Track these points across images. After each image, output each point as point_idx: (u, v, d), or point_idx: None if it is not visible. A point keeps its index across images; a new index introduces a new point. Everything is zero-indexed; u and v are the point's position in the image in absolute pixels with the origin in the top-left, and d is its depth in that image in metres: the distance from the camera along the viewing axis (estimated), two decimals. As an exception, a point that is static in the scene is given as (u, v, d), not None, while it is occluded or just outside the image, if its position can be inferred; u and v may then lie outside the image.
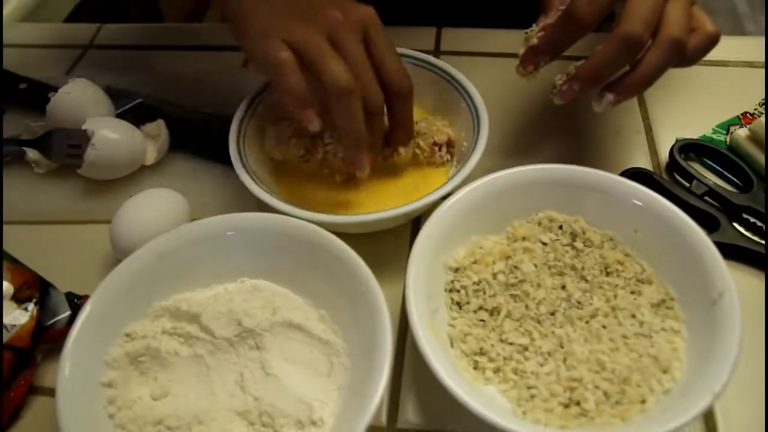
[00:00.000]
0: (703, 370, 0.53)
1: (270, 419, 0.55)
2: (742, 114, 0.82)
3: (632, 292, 0.61)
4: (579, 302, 0.60)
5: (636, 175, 0.73)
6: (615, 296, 0.60)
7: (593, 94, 0.63)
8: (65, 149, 0.76)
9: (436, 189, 0.65)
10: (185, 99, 0.87)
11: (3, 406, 0.58)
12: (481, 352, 0.58)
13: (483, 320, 0.60)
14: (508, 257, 0.63)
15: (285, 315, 0.60)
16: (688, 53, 0.61)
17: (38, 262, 0.67)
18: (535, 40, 0.65)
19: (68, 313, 0.63)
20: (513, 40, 0.68)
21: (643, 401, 0.54)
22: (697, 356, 0.55)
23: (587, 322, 0.59)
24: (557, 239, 0.64)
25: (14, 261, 0.65)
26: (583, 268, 0.62)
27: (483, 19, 0.97)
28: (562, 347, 0.57)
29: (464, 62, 0.90)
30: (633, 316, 0.59)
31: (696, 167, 0.75)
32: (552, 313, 0.60)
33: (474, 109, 0.72)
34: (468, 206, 0.63)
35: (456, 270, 0.63)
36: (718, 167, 0.76)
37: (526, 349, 0.58)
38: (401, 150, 0.70)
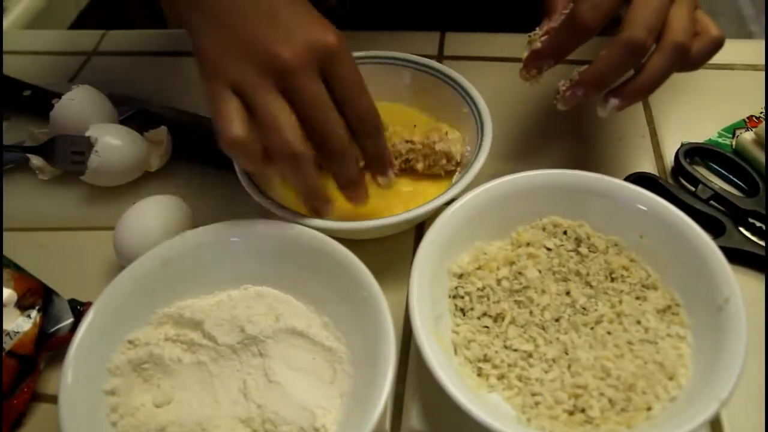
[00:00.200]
0: (709, 376, 0.52)
1: (273, 426, 0.54)
2: (748, 117, 0.82)
3: (637, 298, 0.60)
4: (584, 308, 0.60)
5: (641, 179, 0.73)
6: (620, 302, 0.60)
7: (597, 100, 0.63)
8: (69, 156, 0.76)
9: (439, 195, 0.64)
10: (188, 105, 0.87)
11: (6, 414, 0.58)
12: (485, 359, 0.58)
13: (487, 327, 0.60)
14: (512, 263, 0.63)
15: (288, 322, 0.60)
16: (693, 57, 0.61)
17: (42, 268, 0.67)
18: (538, 44, 0.65)
19: (71, 320, 0.63)
20: (517, 44, 0.67)
21: (649, 408, 0.53)
22: (704, 363, 0.54)
23: (592, 329, 0.58)
24: (562, 245, 0.64)
25: (18, 268, 0.65)
26: (587, 274, 0.62)
27: (487, 23, 0.97)
28: (566, 354, 0.57)
29: (468, 67, 0.90)
30: (638, 322, 0.58)
31: (702, 171, 0.75)
32: (557, 320, 0.59)
33: (478, 114, 0.71)
34: (472, 212, 0.63)
35: (460, 276, 0.62)
36: (724, 171, 0.76)
37: (530, 355, 0.58)
38: (380, 180, 0.67)
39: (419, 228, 0.72)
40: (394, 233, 0.70)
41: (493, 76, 0.73)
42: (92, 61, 0.98)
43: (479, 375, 0.57)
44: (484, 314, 0.60)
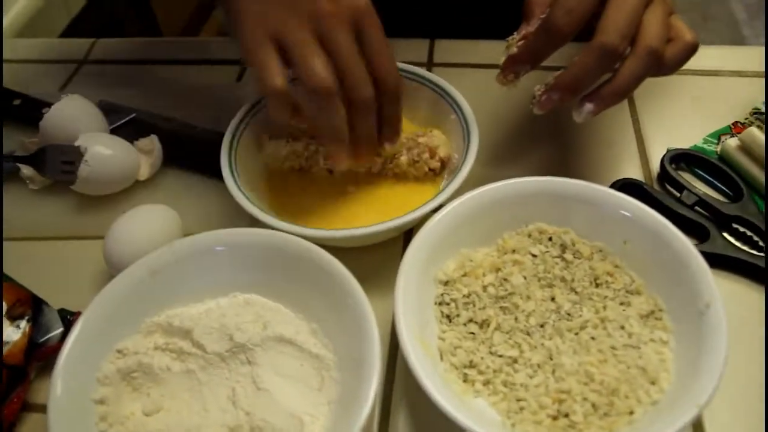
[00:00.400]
0: (690, 381, 0.53)
1: (261, 434, 0.55)
2: (733, 123, 0.82)
3: (621, 303, 0.61)
4: (568, 314, 0.60)
5: (627, 185, 0.73)
6: (604, 307, 0.61)
7: (573, 105, 0.64)
8: (59, 165, 0.76)
9: (427, 201, 0.65)
10: (179, 113, 0.87)
11: (-4, 423, 0.59)
12: (471, 365, 0.58)
13: (473, 333, 0.60)
14: (498, 269, 0.63)
15: (276, 329, 0.60)
16: (666, 62, 0.62)
17: (32, 277, 0.67)
18: (514, 49, 0.65)
19: (61, 329, 0.64)
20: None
21: (631, 413, 0.54)
22: (685, 367, 0.55)
23: (576, 334, 0.59)
24: (547, 251, 0.65)
25: (7, 278, 0.65)
26: (572, 280, 0.62)
27: (476, 30, 0.97)
28: (551, 359, 0.58)
29: (458, 74, 0.91)
30: (622, 327, 0.59)
31: (687, 177, 0.76)
32: (541, 325, 0.60)
33: (464, 121, 0.72)
34: (458, 219, 0.64)
35: (446, 283, 0.63)
36: (709, 177, 0.77)
37: (515, 361, 0.58)
38: (387, 146, 0.70)
39: (407, 234, 0.73)
40: (382, 240, 0.70)
41: (482, 83, 0.73)
42: (83, 69, 0.99)
43: (465, 381, 0.58)
44: (470, 320, 0.61)
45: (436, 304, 0.62)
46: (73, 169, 0.74)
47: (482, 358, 0.58)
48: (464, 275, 0.63)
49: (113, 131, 0.82)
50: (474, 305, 0.61)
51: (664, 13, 0.62)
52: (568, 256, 0.64)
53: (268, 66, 0.62)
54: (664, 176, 0.76)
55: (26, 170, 0.78)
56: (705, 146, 0.80)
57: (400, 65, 0.77)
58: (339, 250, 0.63)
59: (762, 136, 0.73)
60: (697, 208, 0.72)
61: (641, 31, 0.60)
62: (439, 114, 0.76)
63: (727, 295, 0.57)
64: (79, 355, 0.57)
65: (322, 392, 0.58)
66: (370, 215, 0.70)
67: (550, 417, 0.55)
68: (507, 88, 0.67)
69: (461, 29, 0.98)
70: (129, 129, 0.84)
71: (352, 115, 0.65)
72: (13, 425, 0.60)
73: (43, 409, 0.55)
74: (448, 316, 0.61)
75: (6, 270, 0.66)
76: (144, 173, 0.79)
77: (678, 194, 0.73)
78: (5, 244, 0.73)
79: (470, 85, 0.78)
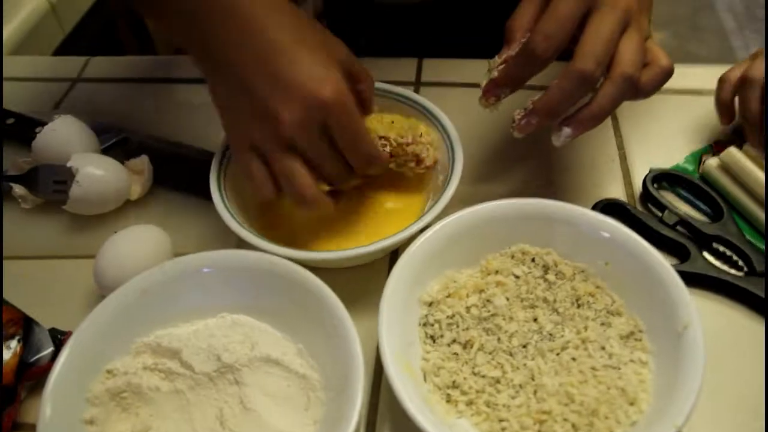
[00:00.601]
0: (667, 402, 0.54)
1: (248, 454, 0.56)
2: (714, 143, 0.83)
3: (602, 324, 0.62)
4: (551, 334, 0.61)
5: (609, 205, 0.74)
6: (586, 328, 0.61)
7: (552, 129, 0.65)
8: (51, 185, 0.77)
9: (412, 223, 0.66)
10: (170, 132, 0.88)
11: (-13, 443, 0.60)
12: (454, 385, 0.59)
13: (456, 353, 0.61)
14: (481, 291, 0.65)
15: (263, 350, 0.61)
16: (642, 87, 0.64)
17: (22, 296, 0.68)
18: (495, 73, 0.66)
19: (51, 349, 0.64)
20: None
21: (611, 433, 0.55)
22: (664, 388, 0.56)
23: (558, 354, 0.60)
24: (530, 272, 0.66)
25: (-1, 298, 0.66)
26: (555, 301, 0.63)
27: (464, 49, 0.98)
28: (533, 380, 0.59)
29: (445, 93, 0.92)
30: (603, 347, 0.60)
31: (670, 197, 0.77)
32: (524, 346, 0.61)
33: (449, 143, 0.73)
34: (442, 241, 0.65)
35: (430, 304, 0.64)
36: (690, 197, 0.78)
37: (498, 381, 0.59)
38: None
39: (393, 254, 0.73)
40: (368, 261, 0.71)
41: (470, 102, 0.73)
42: (77, 87, 0.99)
43: (448, 401, 0.59)
44: (454, 341, 0.62)
45: (420, 325, 0.63)
46: (65, 189, 0.75)
47: (465, 378, 0.59)
48: (448, 296, 0.64)
49: (105, 151, 0.83)
50: (457, 326, 0.62)
51: (640, 38, 0.63)
52: (551, 276, 0.65)
53: (254, 176, 0.65)
54: (646, 196, 0.77)
55: (18, 189, 0.79)
56: (687, 165, 0.81)
57: (386, 86, 0.78)
58: (325, 269, 0.64)
59: (742, 157, 0.74)
60: (678, 227, 0.73)
61: (617, 57, 0.62)
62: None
63: (706, 315, 0.58)
64: (69, 375, 0.58)
65: (308, 412, 0.59)
66: (357, 236, 0.71)
67: (531, 437, 0.56)
68: (489, 111, 0.68)
69: (450, 49, 0.99)
70: (120, 149, 0.85)
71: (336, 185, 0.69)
72: (3, 445, 0.61)
73: (33, 428, 0.55)
74: (432, 337, 0.62)
75: (-3, 289, 0.67)
76: (135, 193, 0.80)
77: (660, 214, 0.74)
78: (-4, 262, 0.74)
79: (458, 104, 0.79)
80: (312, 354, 0.62)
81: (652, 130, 0.87)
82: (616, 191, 0.79)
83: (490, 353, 0.61)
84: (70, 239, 0.78)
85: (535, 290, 0.64)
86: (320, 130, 0.63)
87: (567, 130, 0.63)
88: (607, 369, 0.59)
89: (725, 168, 0.76)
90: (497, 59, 0.67)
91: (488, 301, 0.64)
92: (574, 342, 0.60)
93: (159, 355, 0.62)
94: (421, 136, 0.73)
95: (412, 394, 0.54)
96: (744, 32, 2.81)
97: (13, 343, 0.63)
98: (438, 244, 0.64)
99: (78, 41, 1.40)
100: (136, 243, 0.69)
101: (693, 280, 0.67)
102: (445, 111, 0.77)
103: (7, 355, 0.62)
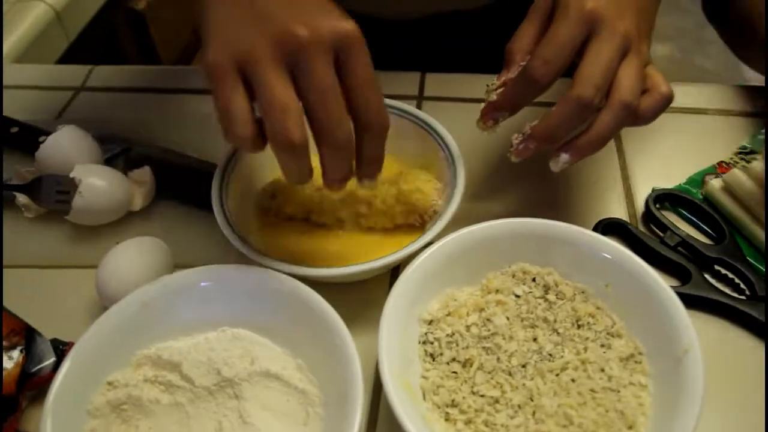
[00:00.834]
0: (666, 426, 0.54)
1: (247, 468, 0.56)
2: (718, 163, 0.83)
3: (602, 346, 0.62)
4: (550, 354, 0.62)
5: (611, 225, 0.75)
6: (585, 349, 0.62)
7: (550, 154, 0.65)
8: (54, 195, 0.78)
9: (413, 241, 0.66)
10: (173, 142, 0.88)
11: (-14, 454, 0.60)
12: (453, 404, 0.59)
13: (455, 372, 0.61)
14: (481, 309, 0.65)
15: (263, 365, 0.61)
16: (642, 114, 0.64)
17: (24, 305, 0.68)
18: (494, 96, 0.67)
19: (53, 359, 0.64)
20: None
21: (608, 456, 0.55)
22: (663, 412, 0.56)
23: (557, 375, 0.60)
24: (530, 291, 0.66)
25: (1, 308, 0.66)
26: (555, 321, 0.64)
27: (467, 64, 0.99)
28: (531, 400, 0.59)
29: (448, 108, 0.92)
30: (602, 369, 0.60)
31: (672, 217, 0.77)
32: (523, 366, 0.61)
33: (452, 161, 0.73)
34: (442, 259, 0.65)
35: (430, 322, 0.64)
36: (693, 218, 0.78)
37: (497, 401, 0.59)
38: (365, 182, 0.65)
39: (394, 271, 0.74)
40: (368, 277, 0.71)
41: (472, 117, 0.74)
42: (80, 96, 1.00)
43: (447, 420, 0.59)
44: (453, 360, 0.62)
45: (420, 343, 0.63)
46: (68, 199, 0.75)
47: (464, 397, 0.59)
48: (448, 315, 0.64)
49: (107, 161, 0.84)
50: (457, 344, 0.62)
51: (639, 64, 0.63)
52: (551, 296, 0.65)
53: (233, 108, 0.56)
54: (648, 216, 0.77)
55: (22, 198, 0.79)
56: (690, 186, 0.81)
57: (390, 102, 0.78)
58: (325, 285, 0.64)
59: (745, 179, 0.74)
60: (680, 248, 0.73)
61: (616, 84, 0.62)
62: (427, 152, 0.77)
63: (706, 338, 0.58)
64: (70, 387, 0.58)
65: (307, 427, 0.59)
66: (357, 252, 0.71)
67: (529, 458, 0.56)
68: (487, 133, 0.69)
69: (452, 63, 0.99)
70: (123, 159, 0.86)
71: (323, 157, 0.59)
72: (3, 455, 0.61)
73: (34, 438, 0.56)
74: (431, 355, 0.62)
75: (-1, 297, 0.67)
76: (137, 204, 0.80)
77: (662, 235, 0.74)
78: (-1, 271, 0.75)
79: (460, 119, 0.78)
80: (311, 369, 0.62)
81: (655, 149, 0.87)
82: (618, 210, 0.80)
83: (489, 372, 0.61)
84: (72, 249, 0.78)
85: (535, 310, 0.64)
86: (332, 60, 0.56)
87: (565, 156, 0.63)
88: (607, 391, 0.59)
89: (728, 189, 0.76)
90: (496, 81, 0.67)
91: (488, 320, 0.64)
92: (573, 363, 0.60)
93: (159, 368, 0.62)
94: (417, 188, 0.72)
95: (410, 412, 0.54)
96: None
97: (16, 353, 0.63)
98: (439, 262, 0.65)
99: (82, 49, 1.40)
100: (138, 255, 0.70)
101: (694, 302, 0.67)
102: (446, 126, 0.77)
103: (9, 364, 0.62)
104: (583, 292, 0.65)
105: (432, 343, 0.63)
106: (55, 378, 0.57)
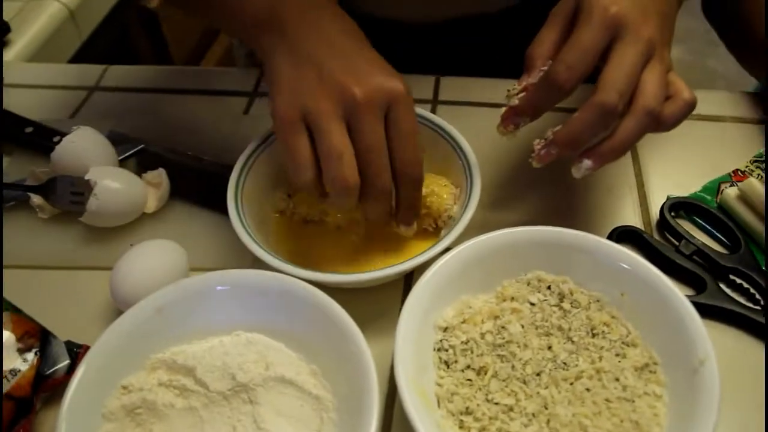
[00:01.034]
0: (681, 438, 0.54)
1: (261, 474, 0.56)
2: (733, 172, 0.83)
3: (617, 355, 0.62)
4: (565, 363, 0.61)
5: (625, 233, 0.75)
6: (600, 358, 0.61)
7: (572, 160, 0.65)
8: (68, 196, 0.78)
9: (428, 248, 0.66)
10: (187, 144, 0.89)
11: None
12: (467, 412, 0.59)
13: (470, 379, 0.61)
14: (496, 317, 0.65)
15: (278, 370, 0.61)
16: (664, 120, 0.63)
17: (38, 307, 0.68)
18: (515, 101, 0.66)
19: (67, 362, 0.65)
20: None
21: (623, 467, 0.55)
22: (678, 422, 0.56)
23: (572, 384, 0.60)
24: (545, 299, 0.66)
25: (16, 310, 0.66)
26: (569, 329, 0.63)
27: (482, 68, 0.98)
28: (546, 409, 0.59)
29: (463, 112, 0.92)
30: (617, 379, 0.60)
31: (687, 225, 0.77)
32: (538, 374, 0.61)
33: (467, 168, 0.73)
34: (458, 266, 0.65)
35: (445, 329, 0.64)
36: (708, 226, 0.78)
37: (511, 409, 0.59)
38: (402, 228, 0.70)
39: (408, 277, 0.74)
40: (383, 284, 0.71)
41: (487, 122, 0.73)
42: (94, 95, 1.00)
43: (461, 428, 0.59)
44: (468, 367, 0.62)
45: (435, 350, 0.63)
46: (83, 201, 0.75)
47: (478, 405, 0.59)
48: (463, 322, 0.64)
49: (122, 162, 0.84)
50: (472, 352, 0.62)
51: (662, 70, 0.63)
52: (566, 305, 0.65)
53: (298, 155, 0.63)
54: (663, 224, 0.77)
55: (36, 199, 0.80)
56: (705, 194, 0.81)
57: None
58: (340, 290, 0.64)
59: (762, 188, 0.74)
60: (695, 257, 0.73)
61: (640, 90, 0.61)
62: (443, 158, 0.76)
63: (721, 347, 0.58)
64: (85, 391, 0.58)
65: (321, 433, 0.59)
66: (373, 259, 0.71)
67: (544, 468, 0.56)
68: (507, 138, 0.68)
69: (467, 67, 0.99)
70: (137, 160, 0.86)
71: (366, 199, 0.66)
72: (17, 457, 0.61)
73: (47, 439, 0.56)
74: (446, 362, 0.62)
75: (12, 298, 0.67)
76: (151, 206, 0.80)
77: (677, 243, 0.74)
78: (12, 272, 0.75)
79: (475, 124, 0.79)
80: (325, 375, 0.62)
81: (671, 156, 0.87)
82: (633, 218, 0.79)
83: (503, 380, 0.61)
84: (86, 250, 0.78)
85: (550, 318, 0.64)
86: (383, 119, 0.63)
87: (587, 162, 0.63)
88: (621, 401, 0.59)
89: (744, 198, 0.76)
90: (516, 86, 0.67)
91: (503, 327, 0.64)
92: (588, 372, 0.60)
93: (174, 372, 0.62)
94: (433, 191, 0.73)
95: (425, 419, 0.54)
96: (762, 49, 2.80)
97: (30, 356, 0.63)
98: (454, 269, 0.64)
99: (95, 47, 1.40)
100: (152, 258, 0.70)
101: (709, 312, 0.67)
102: (461, 131, 0.77)
103: (24, 366, 0.62)
104: (598, 301, 0.65)
105: (447, 350, 0.63)
106: (70, 382, 0.58)
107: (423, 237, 0.73)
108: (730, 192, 0.77)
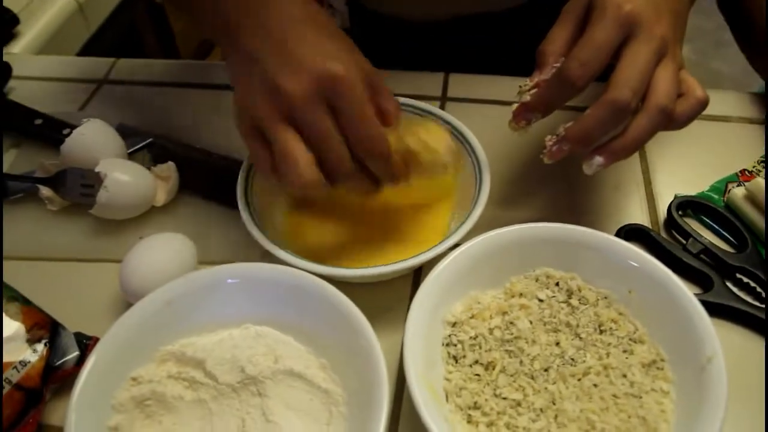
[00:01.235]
0: (689, 434, 0.54)
1: (270, 467, 0.56)
2: (740, 171, 0.83)
3: (624, 351, 0.62)
4: (572, 359, 0.62)
5: (633, 231, 0.75)
6: (608, 354, 0.62)
7: (583, 156, 0.65)
8: (78, 189, 0.78)
9: (437, 244, 0.66)
10: (196, 138, 0.89)
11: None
12: (475, 406, 0.60)
13: (478, 374, 0.61)
14: (504, 313, 0.65)
15: (287, 363, 0.61)
16: (677, 118, 0.63)
17: (48, 299, 0.68)
18: (527, 97, 0.66)
19: (77, 353, 0.65)
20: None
21: (630, 462, 0.55)
22: (685, 419, 0.57)
23: (579, 380, 0.60)
24: (553, 296, 0.66)
25: (26, 302, 0.66)
26: (577, 326, 0.64)
27: (491, 65, 0.99)
28: (554, 404, 0.59)
29: (471, 109, 0.92)
30: (624, 375, 0.60)
31: (694, 224, 0.77)
32: (546, 369, 0.61)
33: (477, 163, 0.73)
34: (467, 262, 0.65)
35: (453, 324, 0.64)
36: (715, 225, 0.78)
37: (519, 404, 0.59)
38: (391, 185, 0.68)
39: (417, 272, 0.74)
40: (393, 278, 0.72)
41: (496, 119, 0.74)
42: (103, 88, 1.00)
43: (469, 422, 0.59)
44: (476, 362, 0.62)
45: (443, 344, 0.63)
46: (92, 193, 0.75)
47: (486, 399, 0.60)
48: (472, 317, 0.65)
49: (131, 155, 0.84)
50: (480, 347, 0.63)
51: (675, 68, 0.63)
52: (574, 301, 0.65)
53: (258, 162, 0.65)
54: (670, 223, 0.77)
55: (45, 191, 0.80)
56: (712, 193, 0.81)
57: (414, 102, 0.78)
58: (349, 284, 0.65)
59: None
60: (702, 256, 0.73)
61: (653, 88, 0.62)
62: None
63: (728, 346, 0.58)
64: (95, 382, 0.58)
65: (330, 427, 0.59)
66: (383, 252, 0.71)
67: (551, 462, 0.56)
68: (518, 135, 0.69)
69: (476, 64, 0.99)
70: (147, 153, 0.86)
71: (338, 184, 0.64)
72: (27, 447, 0.62)
73: (57, 430, 0.56)
74: (454, 357, 0.63)
75: (22, 290, 0.67)
76: (160, 199, 0.80)
77: (684, 242, 0.74)
78: (21, 263, 0.75)
79: (484, 121, 0.79)
80: (334, 369, 0.62)
81: (678, 155, 0.87)
82: (640, 216, 0.80)
83: (511, 375, 0.61)
84: (95, 242, 0.79)
85: (558, 314, 0.65)
86: (325, 107, 0.61)
87: (599, 159, 0.63)
88: (629, 397, 0.59)
89: (751, 198, 0.76)
90: (528, 83, 0.67)
91: (511, 323, 0.64)
92: (596, 368, 0.61)
93: (183, 364, 0.62)
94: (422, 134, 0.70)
95: (434, 414, 0.55)
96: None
97: (40, 347, 0.63)
98: (464, 265, 0.65)
99: (103, 40, 1.40)
100: (162, 250, 0.70)
101: (715, 310, 0.67)
102: (470, 127, 0.77)
103: (33, 358, 0.62)
104: (606, 298, 0.66)
105: (455, 345, 0.63)
106: (80, 374, 0.58)
107: (433, 233, 0.73)
108: (738, 191, 0.78)
